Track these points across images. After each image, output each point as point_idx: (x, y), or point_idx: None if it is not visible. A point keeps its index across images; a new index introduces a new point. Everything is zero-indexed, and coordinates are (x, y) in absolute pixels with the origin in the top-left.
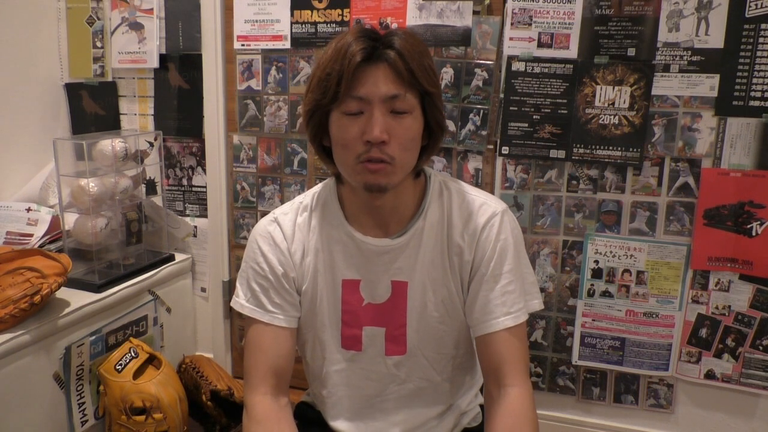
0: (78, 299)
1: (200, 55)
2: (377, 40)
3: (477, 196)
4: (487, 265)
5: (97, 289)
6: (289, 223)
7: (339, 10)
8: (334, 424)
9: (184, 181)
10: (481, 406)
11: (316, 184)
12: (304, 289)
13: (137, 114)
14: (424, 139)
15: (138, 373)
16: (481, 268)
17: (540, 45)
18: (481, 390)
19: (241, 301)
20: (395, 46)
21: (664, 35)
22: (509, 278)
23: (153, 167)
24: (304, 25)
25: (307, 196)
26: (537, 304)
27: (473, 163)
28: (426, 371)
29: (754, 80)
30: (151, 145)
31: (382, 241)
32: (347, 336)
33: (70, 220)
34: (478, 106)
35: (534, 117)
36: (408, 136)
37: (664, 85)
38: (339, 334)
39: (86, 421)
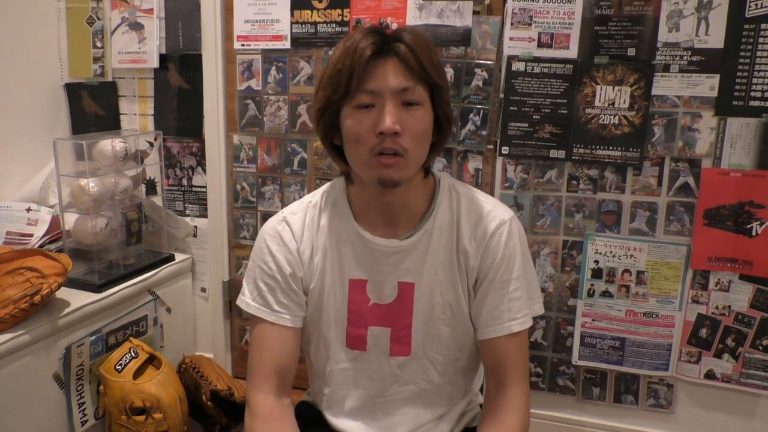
0: (78, 299)
1: (200, 55)
2: (386, 36)
3: (485, 201)
4: (496, 272)
5: (97, 289)
6: (299, 223)
7: (339, 10)
8: (335, 422)
9: (184, 181)
10: (482, 406)
11: (316, 183)
12: (311, 288)
13: (137, 114)
14: (433, 135)
15: (138, 373)
16: (489, 275)
17: (540, 45)
18: (481, 390)
19: (246, 300)
20: (405, 40)
21: (664, 35)
22: (516, 285)
23: (153, 167)
24: (304, 25)
25: (316, 195)
26: (539, 308)
27: (473, 163)
28: (429, 373)
29: (754, 80)
30: (151, 145)
31: (391, 242)
32: (352, 335)
33: (70, 220)
34: (478, 106)
35: (534, 117)
36: (420, 128)
37: (664, 85)
38: (344, 334)
39: (86, 421)
